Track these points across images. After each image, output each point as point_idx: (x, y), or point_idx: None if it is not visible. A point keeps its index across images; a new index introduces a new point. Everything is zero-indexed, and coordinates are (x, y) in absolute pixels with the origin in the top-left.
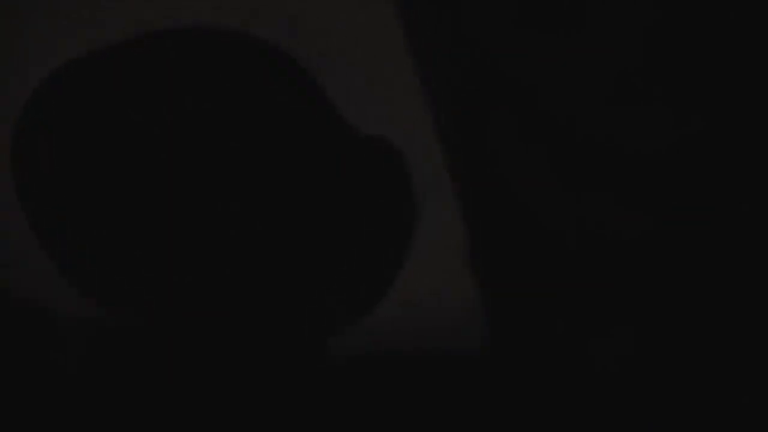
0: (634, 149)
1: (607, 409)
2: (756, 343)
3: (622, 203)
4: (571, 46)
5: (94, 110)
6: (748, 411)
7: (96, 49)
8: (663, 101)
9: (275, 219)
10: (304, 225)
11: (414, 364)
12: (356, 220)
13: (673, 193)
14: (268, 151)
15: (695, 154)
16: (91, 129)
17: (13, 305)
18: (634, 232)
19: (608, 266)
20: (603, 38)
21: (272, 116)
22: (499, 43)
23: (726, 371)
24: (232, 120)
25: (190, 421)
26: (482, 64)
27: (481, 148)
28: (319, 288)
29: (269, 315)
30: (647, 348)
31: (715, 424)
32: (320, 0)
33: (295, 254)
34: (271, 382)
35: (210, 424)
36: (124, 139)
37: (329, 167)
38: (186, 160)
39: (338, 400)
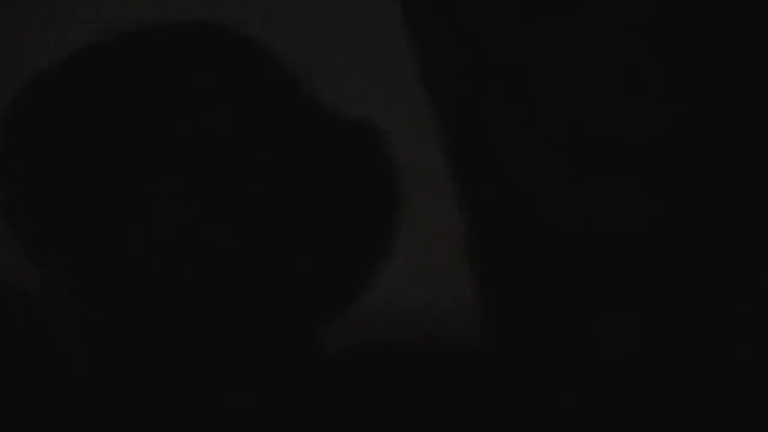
0: (637, 138)
1: (607, 401)
2: (758, 336)
3: (625, 192)
4: (572, 36)
5: (77, 108)
6: (749, 405)
7: (82, 46)
8: (665, 90)
9: (257, 207)
10: (285, 211)
11: (409, 358)
12: (336, 202)
13: (677, 182)
14: (247, 140)
15: (699, 143)
16: (75, 127)
17: (12, 305)
18: (637, 222)
19: (610, 256)
20: (604, 28)
21: (248, 104)
22: (499, 34)
23: (727, 363)
24: (208, 111)
25: (186, 417)
26: (482, 55)
27: (482, 139)
28: (300, 274)
29: (255, 305)
30: (647, 340)
31: (715, 416)
32: None
33: (275, 241)
34: (262, 374)
35: (206, 418)
36: (105, 133)
37: (307, 150)
38: (168, 151)
39: (332, 394)
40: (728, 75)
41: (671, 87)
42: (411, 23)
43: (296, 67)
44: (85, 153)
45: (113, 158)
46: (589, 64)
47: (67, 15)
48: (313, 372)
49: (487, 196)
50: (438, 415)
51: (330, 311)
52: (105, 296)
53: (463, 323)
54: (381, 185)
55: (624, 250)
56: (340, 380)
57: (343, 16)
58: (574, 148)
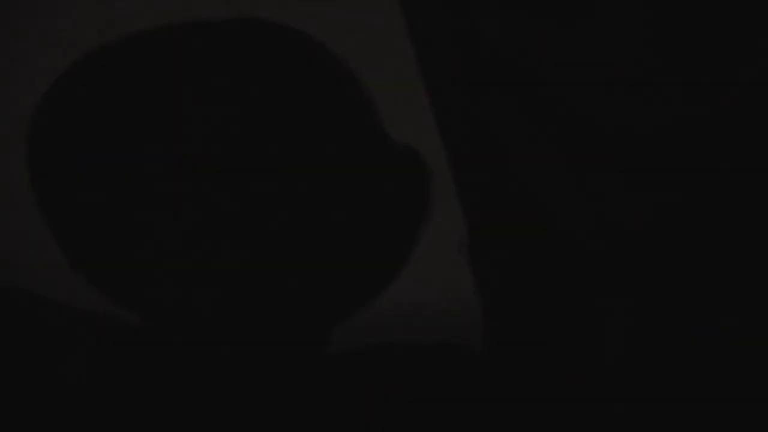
0: (639, 130)
1: (607, 403)
2: (759, 331)
3: (632, 192)
4: (577, 33)
5: (116, 100)
6: (748, 399)
7: (119, 39)
8: (668, 81)
9: (293, 208)
10: (295, 211)
11: (409, 359)
12: (372, 215)
13: (679, 174)
14: (258, 137)
15: (701, 135)
16: (109, 121)
17: (12, 306)
18: (646, 218)
19: (617, 255)
20: (606, 21)
21: (258, 101)
22: (503, 32)
23: (727, 358)
24: (217, 110)
25: (189, 417)
26: (482, 48)
27: (484, 139)
28: (308, 276)
29: (262, 304)
30: (648, 341)
31: (715, 410)
32: None
33: (285, 240)
34: (267, 374)
35: (214, 415)
36: (112, 135)
37: (321, 149)
38: (175, 152)
39: (332, 395)
40: (735, 67)
41: (675, 78)
42: (411, 22)
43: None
44: (95, 155)
45: (122, 159)
46: (595, 61)
47: (67, 15)
48: (315, 373)
49: (489, 195)
50: (438, 416)
51: (339, 314)
52: (116, 287)
53: (463, 323)
54: (412, 201)
55: (632, 248)
56: (339, 381)
57: (342, 16)
58: (579, 147)
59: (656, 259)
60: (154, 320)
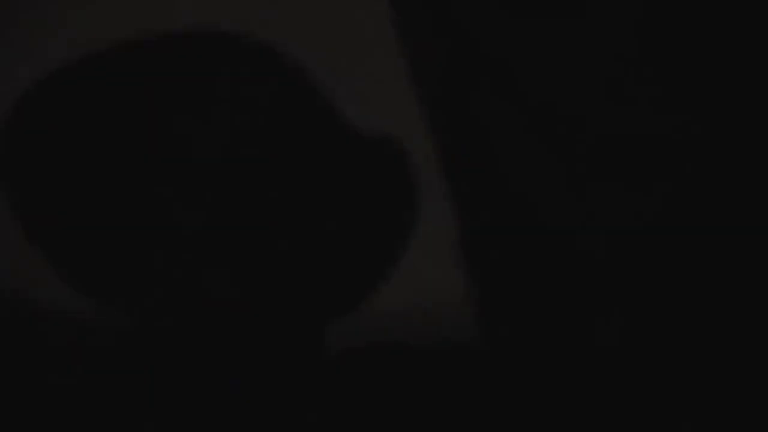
0: (633, 135)
1: (603, 401)
2: (759, 331)
3: (622, 191)
4: (566, 32)
5: (87, 111)
6: (748, 399)
7: (88, 53)
8: (661, 86)
9: (276, 210)
10: (304, 217)
11: (407, 359)
12: (357, 213)
13: (675, 180)
14: (268, 146)
15: (697, 137)
16: (82, 129)
17: (8, 309)
18: (636, 220)
19: (607, 256)
20: (598, 23)
21: (271, 117)
22: (490, 30)
23: (727, 358)
24: (231, 123)
25: (188, 416)
26: (473, 53)
27: (475, 138)
28: (316, 275)
29: (267, 302)
30: (643, 341)
31: (715, 410)
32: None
33: (287, 240)
34: (269, 372)
35: (213, 417)
36: (115, 138)
37: (331, 161)
38: (182, 159)
39: (331, 395)
40: (726, 74)
41: (668, 84)
42: (400, 20)
43: (311, 76)
44: (80, 152)
45: (105, 157)
46: (583, 62)
47: (67, 15)
48: (314, 373)
49: (482, 194)
50: (437, 416)
51: (339, 311)
52: (101, 294)
53: (462, 324)
54: (396, 192)
55: (622, 250)
56: (339, 381)
57: (335, 15)
58: (571, 148)
59: (655, 260)
60: (146, 322)
